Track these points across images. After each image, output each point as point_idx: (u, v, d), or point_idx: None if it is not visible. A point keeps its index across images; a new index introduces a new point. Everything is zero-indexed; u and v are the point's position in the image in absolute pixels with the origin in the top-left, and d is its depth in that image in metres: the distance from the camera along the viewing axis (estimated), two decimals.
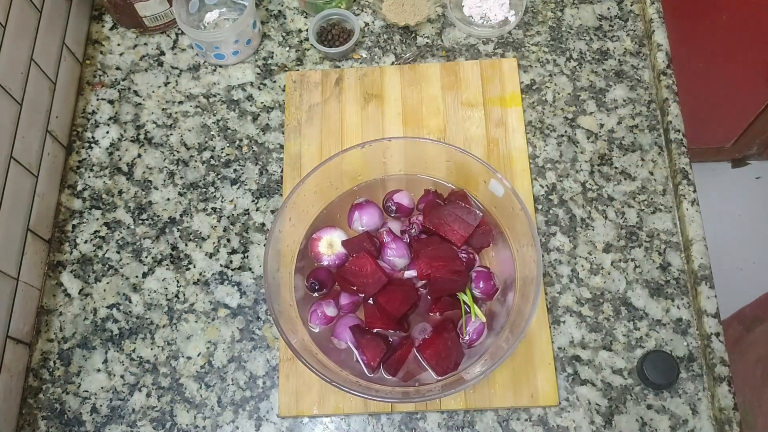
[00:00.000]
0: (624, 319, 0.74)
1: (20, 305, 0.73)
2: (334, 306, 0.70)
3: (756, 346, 1.02)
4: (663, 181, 0.80)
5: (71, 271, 0.79)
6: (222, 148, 0.84)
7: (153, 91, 0.88)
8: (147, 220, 0.81)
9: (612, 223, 0.79)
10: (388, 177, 0.77)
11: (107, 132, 0.86)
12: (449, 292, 0.69)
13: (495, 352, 0.65)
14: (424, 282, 0.70)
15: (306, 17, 0.92)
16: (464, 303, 0.69)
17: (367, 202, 0.74)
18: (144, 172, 0.84)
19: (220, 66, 0.89)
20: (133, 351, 0.75)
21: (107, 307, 0.77)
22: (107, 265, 0.79)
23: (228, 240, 0.80)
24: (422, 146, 0.73)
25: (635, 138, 0.83)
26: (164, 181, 0.83)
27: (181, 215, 0.81)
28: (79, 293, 0.78)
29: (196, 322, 0.76)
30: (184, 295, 0.77)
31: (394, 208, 0.74)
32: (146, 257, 0.79)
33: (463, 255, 0.71)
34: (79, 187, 0.83)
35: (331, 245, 0.72)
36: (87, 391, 0.73)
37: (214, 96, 0.88)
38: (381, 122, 0.84)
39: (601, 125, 0.84)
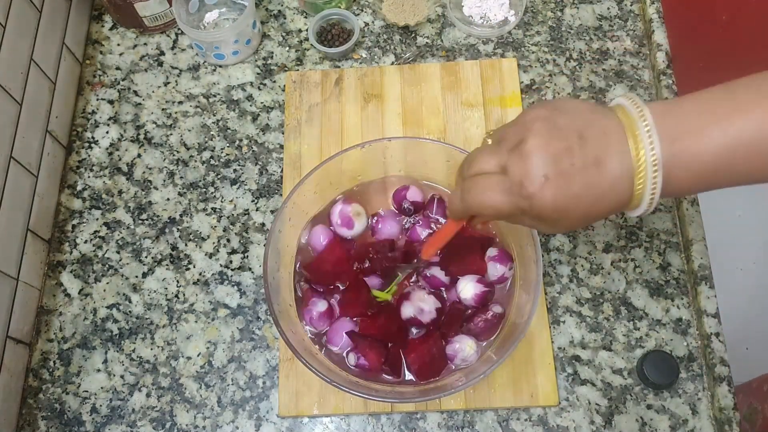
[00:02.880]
0: (624, 319, 0.74)
1: (20, 305, 0.73)
2: (324, 299, 0.70)
3: None
4: None
5: (71, 271, 0.79)
6: (222, 148, 0.84)
7: (153, 91, 0.88)
8: (147, 220, 0.81)
9: (612, 223, 0.79)
10: (388, 177, 0.77)
11: (107, 132, 0.86)
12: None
13: (495, 352, 0.65)
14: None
15: (306, 17, 0.92)
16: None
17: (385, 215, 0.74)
18: (144, 172, 0.84)
19: (220, 66, 0.89)
20: (133, 351, 0.75)
21: (107, 307, 0.77)
22: (107, 265, 0.79)
23: (228, 240, 0.80)
24: (422, 146, 0.73)
25: None
26: (164, 181, 0.83)
27: (181, 215, 0.81)
28: (79, 293, 0.78)
29: (196, 322, 0.76)
30: (184, 295, 0.77)
31: (411, 208, 0.74)
32: (146, 257, 0.79)
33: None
34: (79, 187, 0.83)
35: (359, 214, 0.72)
36: (87, 391, 0.73)
37: (214, 96, 0.88)
38: (381, 122, 0.84)
39: None
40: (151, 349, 0.75)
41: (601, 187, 0.46)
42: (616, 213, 0.49)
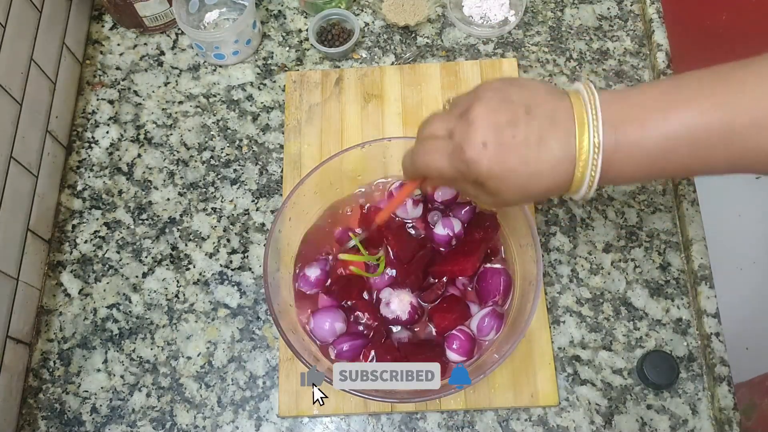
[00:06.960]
0: (624, 319, 0.74)
1: (20, 305, 0.73)
2: (317, 267, 0.70)
3: None
4: (663, 180, 0.80)
5: (71, 271, 0.79)
6: (222, 148, 0.84)
7: (153, 91, 0.88)
8: (147, 220, 0.81)
9: (612, 223, 0.79)
10: (388, 177, 0.77)
11: (107, 132, 0.86)
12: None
13: (495, 352, 0.65)
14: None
15: (306, 17, 0.92)
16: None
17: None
18: (144, 172, 0.84)
19: (220, 66, 0.89)
20: (133, 351, 0.75)
21: (107, 307, 0.77)
22: (107, 265, 0.79)
23: (228, 240, 0.80)
24: None
25: None
26: (164, 181, 0.83)
27: (181, 215, 0.81)
28: (79, 293, 0.78)
29: (196, 322, 0.76)
30: (184, 295, 0.77)
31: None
32: (146, 257, 0.79)
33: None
34: (79, 187, 0.83)
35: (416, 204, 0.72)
36: (87, 391, 0.73)
37: (214, 96, 0.88)
38: (381, 122, 0.84)
39: None
40: (151, 349, 0.75)
41: (539, 165, 0.47)
42: (557, 195, 0.50)
